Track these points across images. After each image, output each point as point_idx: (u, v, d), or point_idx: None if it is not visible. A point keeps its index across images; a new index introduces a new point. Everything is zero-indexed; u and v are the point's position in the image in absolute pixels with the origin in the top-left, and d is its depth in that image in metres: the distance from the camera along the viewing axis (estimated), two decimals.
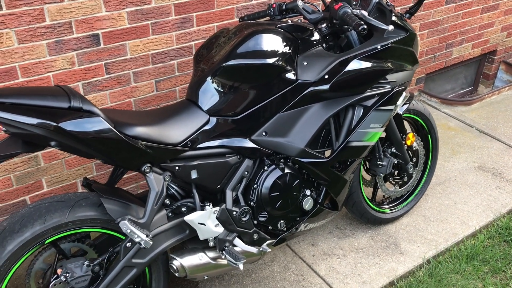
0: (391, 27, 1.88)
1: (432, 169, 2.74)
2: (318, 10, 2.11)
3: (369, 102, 2.05)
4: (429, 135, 2.64)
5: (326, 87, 1.91)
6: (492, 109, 3.87)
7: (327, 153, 2.08)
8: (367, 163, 2.49)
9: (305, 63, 1.91)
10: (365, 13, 1.94)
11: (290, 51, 1.88)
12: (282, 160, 1.99)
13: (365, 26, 1.77)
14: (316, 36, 2.02)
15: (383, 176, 2.47)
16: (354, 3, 2.07)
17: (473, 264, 2.45)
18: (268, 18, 2.24)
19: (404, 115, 2.47)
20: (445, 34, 3.81)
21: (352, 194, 2.42)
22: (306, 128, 1.95)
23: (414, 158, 2.58)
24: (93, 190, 1.76)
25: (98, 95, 2.40)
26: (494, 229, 2.68)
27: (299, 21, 2.14)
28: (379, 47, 1.98)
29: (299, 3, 2.08)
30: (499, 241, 2.61)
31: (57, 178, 2.43)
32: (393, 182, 2.58)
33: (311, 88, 1.90)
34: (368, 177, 2.60)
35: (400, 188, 2.61)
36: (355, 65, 1.94)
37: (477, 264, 2.45)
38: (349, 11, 1.89)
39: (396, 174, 2.57)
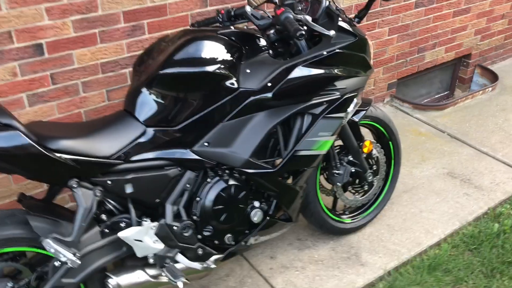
0: (332, 33, 1.82)
1: (395, 177, 2.67)
2: (268, 16, 2.04)
3: (317, 110, 1.98)
4: (390, 142, 2.57)
5: (269, 95, 1.84)
6: (465, 113, 3.81)
7: (279, 162, 2.01)
8: (326, 172, 2.42)
9: (248, 71, 1.84)
10: (308, 18, 1.88)
11: (231, 58, 1.81)
12: (226, 171, 1.91)
13: (303, 32, 1.71)
14: (263, 43, 1.96)
15: (341, 185, 2.40)
16: (300, 7, 2.01)
17: (435, 274, 2.38)
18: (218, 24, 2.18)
19: (362, 122, 2.41)
20: (416, 38, 3.76)
21: (309, 205, 2.35)
22: (251, 138, 1.88)
23: (375, 166, 2.51)
24: None
25: (44, 107, 2.32)
26: (459, 237, 2.61)
27: (245, 27, 2.07)
28: (325, 53, 1.92)
29: (248, 9, 2.01)
30: (463, 250, 2.54)
31: (4, 193, 2.35)
32: (353, 191, 2.51)
33: (254, 97, 1.83)
34: (329, 186, 2.53)
35: (360, 197, 2.53)
36: (299, 72, 1.87)
37: (439, 275, 2.38)
38: (291, 16, 1.83)
39: (356, 182, 2.50)
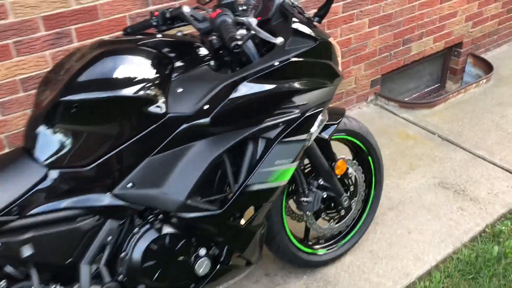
0: (279, 40, 1.44)
1: (377, 196, 2.30)
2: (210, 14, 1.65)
3: (272, 133, 1.61)
4: (369, 157, 2.20)
5: (206, 120, 1.46)
6: (458, 110, 3.44)
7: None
8: (294, 196, 2.05)
9: (180, 90, 1.46)
10: (253, 20, 1.49)
11: (156, 75, 1.42)
12: (159, 217, 1.54)
13: (239, 43, 1.32)
14: (203, 52, 1.58)
15: (311, 213, 2.03)
16: (244, 7, 1.62)
17: None
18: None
19: (335, 137, 2.03)
20: (400, 29, 3.37)
21: (275, 237, 1.98)
22: (187, 174, 1.50)
23: (352, 187, 2.14)
24: None
25: None
26: (453, 264, 2.25)
27: (179, 33, 1.68)
28: (276, 63, 1.53)
29: (185, 9, 1.62)
30: (458, 280, 2.18)
31: None
32: (327, 218, 2.14)
33: (187, 124, 1.45)
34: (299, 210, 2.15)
35: (336, 224, 2.16)
36: (245, 89, 1.49)
37: None
38: (229, 20, 1.44)
39: (330, 207, 2.12)
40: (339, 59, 1.80)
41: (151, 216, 1.53)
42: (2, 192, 1.32)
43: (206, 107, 1.45)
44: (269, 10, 1.67)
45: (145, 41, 1.50)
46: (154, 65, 1.44)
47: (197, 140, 1.49)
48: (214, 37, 1.64)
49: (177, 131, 1.45)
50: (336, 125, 1.95)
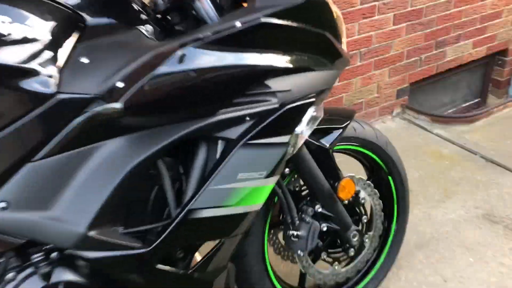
0: None
1: (401, 231, 1.71)
2: None
3: (233, 132, 1.06)
4: (389, 177, 1.62)
5: (118, 106, 0.93)
6: (504, 126, 2.83)
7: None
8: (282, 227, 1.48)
9: (85, 60, 0.94)
10: None
11: (50, 37, 0.92)
12: (50, 256, 1.00)
13: None
14: (136, 13, 1.08)
15: (304, 254, 1.45)
16: None
17: None
18: None
19: (342, 147, 1.48)
20: (432, 28, 2.80)
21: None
22: (89, 192, 0.96)
23: (365, 216, 1.56)
24: None
25: None
26: None
27: None
28: (238, 24, 1.00)
29: None
30: None
31: None
32: (330, 259, 1.55)
33: (91, 110, 0.93)
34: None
35: (343, 268, 1.58)
36: (185, 60, 0.96)
37: None
38: None
39: (334, 243, 1.55)
40: (343, 33, 1.26)
41: (37, 254, 0.99)
42: None
43: (120, 85, 0.93)
44: None
45: None
46: (47, 21, 0.93)
47: (107, 138, 0.96)
48: None
49: (75, 121, 0.93)
50: (341, 130, 1.40)
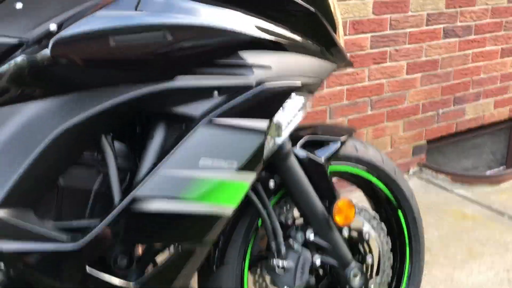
0: None
1: (414, 275, 1.41)
2: None
3: (198, 106, 0.87)
4: (399, 211, 1.37)
5: (46, 52, 0.76)
6: None
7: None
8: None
9: (19, 5, 0.79)
10: None
11: None
12: None
13: None
14: None
15: None
16: None
17: None
18: None
19: (339, 168, 1.26)
20: (449, 82, 2.65)
21: None
22: (5, 161, 0.77)
23: (370, 256, 1.29)
24: None
25: None
26: None
27: None
28: None
29: None
30: None
31: None
32: None
33: (17, 57, 0.76)
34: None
35: None
36: (144, 5, 0.80)
37: None
38: None
39: (330, 283, 1.27)
40: (340, 26, 1.09)
41: None
42: None
43: (53, 27, 0.76)
44: None
45: None
46: None
47: (33, 96, 0.78)
48: None
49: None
50: (339, 143, 1.19)
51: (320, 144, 1.18)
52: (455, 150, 2.94)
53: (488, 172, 3.13)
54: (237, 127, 0.88)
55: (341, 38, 1.11)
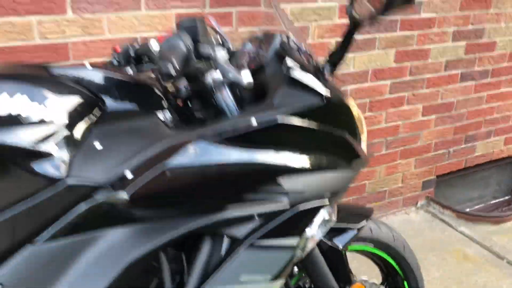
0: (246, 79, 0.91)
1: None
2: None
3: (240, 230, 1.03)
4: (405, 283, 1.53)
5: (124, 196, 0.91)
6: None
7: None
8: None
9: (98, 146, 0.94)
10: (221, 53, 0.99)
11: (65, 120, 0.92)
12: None
13: (172, 73, 0.82)
14: (156, 99, 1.08)
15: None
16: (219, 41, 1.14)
17: None
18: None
19: (355, 248, 1.41)
20: (462, 122, 2.77)
21: None
22: (89, 281, 0.94)
23: None
24: None
25: None
26: None
27: (130, 71, 1.20)
28: (254, 122, 0.99)
29: (154, 44, 1.17)
30: None
31: None
32: None
33: (97, 197, 0.91)
34: None
35: None
36: (198, 154, 0.95)
37: None
38: (181, 45, 0.95)
39: None
40: (364, 134, 1.23)
41: None
42: None
43: (128, 175, 0.91)
44: (265, 54, 1.17)
45: (70, 71, 1.02)
46: (65, 103, 0.94)
47: (110, 226, 0.94)
48: (183, 84, 1.16)
49: (80, 206, 0.91)
50: (356, 231, 1.34)
51: (340, 230, 1.33)
52: (463, 182, 3.07)
53: (493, 202, 3.27)
54: (273, 246, 1.04)
55: (364, 144, 1.25)
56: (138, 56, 1.26)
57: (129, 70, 1.24)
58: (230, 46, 1.26)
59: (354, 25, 1.04)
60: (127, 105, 1.03)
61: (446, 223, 2.72)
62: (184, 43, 0.95)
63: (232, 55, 1.20)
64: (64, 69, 1.03)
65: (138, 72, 1.26)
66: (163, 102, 1.09)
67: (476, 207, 3.21)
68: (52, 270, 0.92)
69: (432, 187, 2.85)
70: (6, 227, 0.90)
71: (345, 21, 1.06)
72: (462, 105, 2.72)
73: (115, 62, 1.29)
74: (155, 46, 1.19)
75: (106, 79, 1.05)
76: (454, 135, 2.77)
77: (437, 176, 2.85)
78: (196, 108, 1.18)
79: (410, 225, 2.68)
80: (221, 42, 1.27)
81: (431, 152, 2.73)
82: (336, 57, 1.10)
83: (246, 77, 0.95)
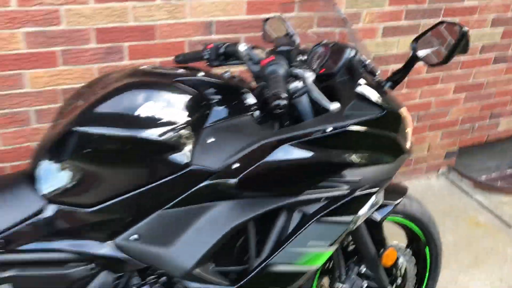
0: (334, 107, 1.18)
1: None
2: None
3: (310, 209, 1.34)
4: (426, 248, 1.87)
5: (233, 181, 1.23)
6: None
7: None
8: (330, 276, 1.76)
9: (211, 140, 1.24)
10: (310, 75, 1.26)
11: (188, 119, 1.22)
12: (160, 279, 1.32)
13: (284, 102, 1.09)
14: (249, 100, 1.36)
15: None
16: (304, 57, 1.40)
17: None
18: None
19: (390, 219, 1.73)
20: (490, 101, 3.00)
21: None
22: (201, 238, 1.27)
23: (400, 279, 1.81)
24: None
25: None
26: None
27: (227, 74, 1.47)
28: (329, 129, 1.28)
29: (242, 47, 1.43)
30: None
31: None
32: None
33: (210, 180, 1.23)
34: None
35: None
36: (285, 152, 1.24)
37: None
38: (280, 71, 1.22)
39: None
40: (409, 132, 1.51)
41: (152, 276, 1.31)
42: None
43: (235, 165, 1.22)
44: (335, 63, 1.43)
45: (185, 77, 1.31)
46: (187, 107, 1.24)
47: (219, 200, 1.26)
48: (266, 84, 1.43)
49: (198, 186, 1.23)
50: (393, 207, 1.65)
51: (380, 205, 1.64)
52: (482, 151, 3.34)
53: (508, 172, 3.54)
54: (333, 222, 1.36)
55: (410, 141, 1.53)
56: (226, 54, 1.52)
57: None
58: (298, 41, 1.51)
59: (416, 58, 1.29)
60: (227, 107, 1.32)
61: (463, 191, 3.02)
62: (284, 69, 1.22)
63: (300, 52, 1.45)
64: (184, 74, 1.32)
65: (224, 66, 1.54)
66: (254, 102, 1.37)
67: (493, 175, 3.48)
68: (175, 228, 1.25)
69: (454, 157, 3.13)
70: (146, 198, 1.22)
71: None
72: (492, 85, 2.93)
73: (206, 56, 1.55)
74: (242, 49, 1.45)
75: (212, 84, 1.34)
76: (480, 112, 3.01)
77: (460, 147, 3.11)
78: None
79: (430, 190, 2.99)
80: (291, 35, 1.52)
81: (457, 126, 2.99)
82: (397, 77, 1.37)
83: (333, 106, 1.22)
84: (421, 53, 1.32)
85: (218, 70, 1.50)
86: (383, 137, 1.38)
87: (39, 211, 1.20)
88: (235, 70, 1.59)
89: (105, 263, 1.26)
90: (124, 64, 1.92)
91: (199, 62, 1.53)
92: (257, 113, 1.35)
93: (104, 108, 1.18)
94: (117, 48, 1.89)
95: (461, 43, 1.23)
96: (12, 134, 1.88)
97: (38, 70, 1.81)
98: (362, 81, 1.33)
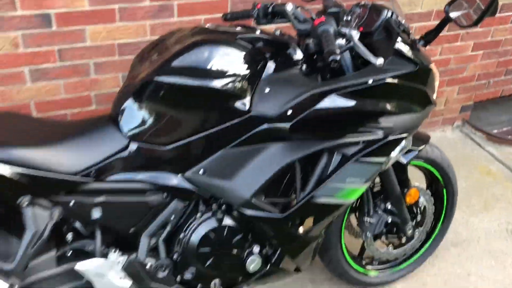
0: (379, 61, 1.37)
1: (443, 231, 2.19)
2: (312, 19, 1.62)
3: (350, 150, 1.56)
4: (444, 190, 2.09)
5: (286, 125, 1.44)
6: None
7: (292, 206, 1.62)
8: (358, 212, 2.00)
9: (267, 90, 1.45)
10: (355, 34, 1.44)
11: (248, 72, 1.42)
12: (222, 207, 1.55)
13: (337, 58, 1.28)
14: (297, 55, 1.55)
15: (371, 235, 1.97)
16: (349, 17, 1.57)
17: None
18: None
19: (413, 163, 1.95)
20: (506, 57, 3.15)
21: (329, 251, 1.95)
22: (258, 173, 1.50)
23: (420, 216, 2.05)
24: None
25: (49, 84, 2.05)
26: None
27: (277, 31, 1.66)
28: (370, 81, 1.48)
29: (289, 7, 1.60)
30: None
31: None
32: (386, 242, 2.07)
33: (267, 125, 1.44)
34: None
35: (395, 250, 2.09)
36: (332, 101, 1.45)
37: None
38: (331, 31, 1.40)
39: (392, 231, 2.05)
40: (436, 86, 1.71)
41: (215, 205, 1.55)
42: (85, 154, 1.39)
43: (289, 112, 1.43)
44: (373, 23, 1.60)
45: (244, 35, 1.49)
46: (247, 61, 1.43)
47: (273, 142, 1.48)
48: (310, 41, 1.61)
49: (256, 130, 1.45)
50: (417, 152, 1.87)
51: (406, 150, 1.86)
52: (496, 106, 3.52)
53: None
54: (369, 162, 1.58)
55: (435, 93, 1.73)
56: (274, 13, 1.70)
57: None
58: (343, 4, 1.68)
59: (448, 20, 1.47)
60: (281, 60, 1.51)
61: (476, 143, 3.23)
62: (334, 29, 1.41)
63: (345, 13, 1.62)
64: (243, 32, 1.51)
65: (271, 24, 1.72)
66: (301, 57, 1.56)
67: (505, 128, 3.67)
68: (236, 164, 1.48)
69: (469, 111, 3.32)
70: (212, 139, 1.44)
71: None
72: (509, 43, 3.08)
73: (254, 15, 1.73)
74: (289, 8, 1.62)
75: (267, 40, 1.53)
76: (496, 68, 3.17)
77: (475, 102, 3.30)
78: (318, 60, 1.65)
79: (446, 141, 3.20)
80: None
81: (474, 82, 3.16)
82: (430, 36, 1.55)
83: (379, 60, 1.40)
84: (452, 15, 1.50)
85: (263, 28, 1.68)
86: (415, 89, 1.58)
87: (123, 148, 1.42)
88: (279, 27, 1.76)
89: (176, 193, 1.49)
90: (173, 21, 2.10)
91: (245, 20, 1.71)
92: (304, 66, 1.54)
93: (180, 61, 1.38)
94: (168, 6, 2.07)
95: (490, 8, 1.40)
96: (73, 84, 2.10)
97: (98, 26, 2.00)
98: (399, 39, 1.52)
